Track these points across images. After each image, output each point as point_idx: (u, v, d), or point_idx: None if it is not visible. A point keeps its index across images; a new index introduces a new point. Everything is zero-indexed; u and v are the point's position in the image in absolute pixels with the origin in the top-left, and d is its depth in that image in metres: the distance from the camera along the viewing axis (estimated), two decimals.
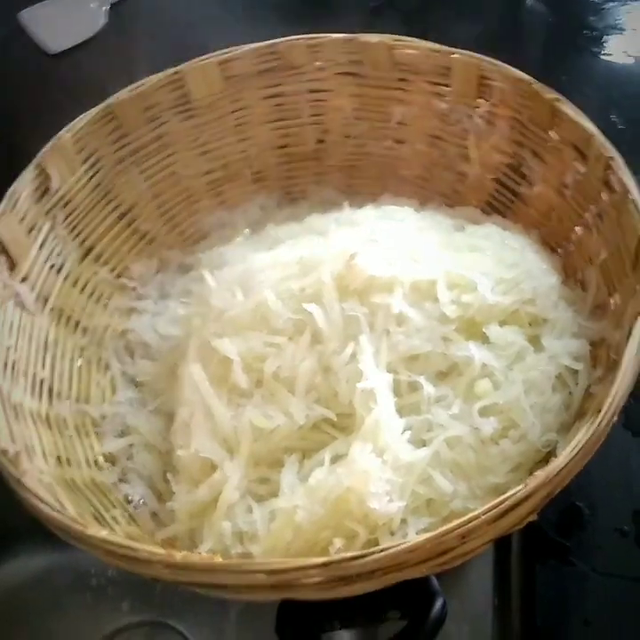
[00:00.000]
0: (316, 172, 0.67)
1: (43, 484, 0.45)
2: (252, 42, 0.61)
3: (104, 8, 0.91)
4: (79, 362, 0.57)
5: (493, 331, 0.48)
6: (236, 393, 0.49)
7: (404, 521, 0.43)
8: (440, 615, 0.42)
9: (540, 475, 0.38)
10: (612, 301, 0.51)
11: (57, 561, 0.58)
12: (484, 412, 0.46)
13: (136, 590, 0.56)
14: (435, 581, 0.42)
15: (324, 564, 0.36)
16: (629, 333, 0.44)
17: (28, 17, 0.91)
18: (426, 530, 0.42)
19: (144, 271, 0.62)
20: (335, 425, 0.47)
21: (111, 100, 0.58)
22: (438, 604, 0.41)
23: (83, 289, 0.59)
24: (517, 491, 0.38)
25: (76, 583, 0.57)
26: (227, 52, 0.61)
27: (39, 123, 0.76)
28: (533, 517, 0.41)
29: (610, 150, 0.51)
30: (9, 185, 0.54)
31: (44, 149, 0.55)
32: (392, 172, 0.65)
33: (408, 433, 0.45)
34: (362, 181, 0.66)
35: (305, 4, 0.86)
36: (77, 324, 0.58)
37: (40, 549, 0.59)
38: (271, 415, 0.47)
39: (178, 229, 0.65)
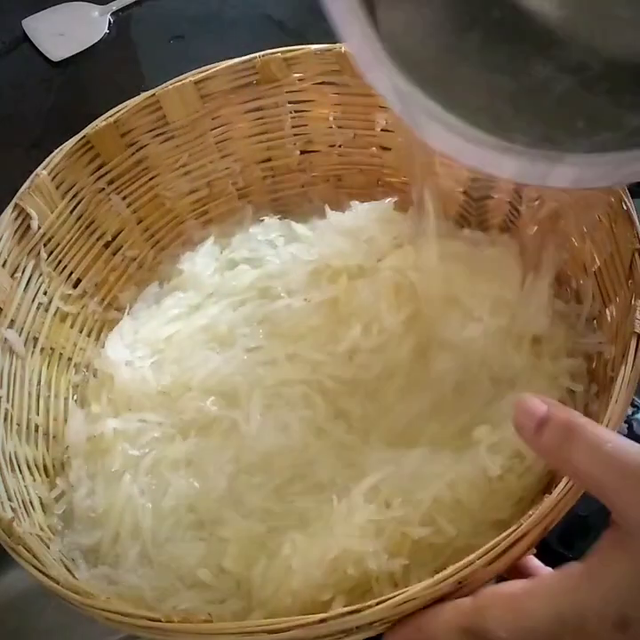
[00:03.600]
0: (302, 184, 0.65)
1: (43, 540, 0.45)
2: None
3: (107, 16, 0.89)
4: (73, 399, 0.56)
5: (495, 358, 0.48)
6: None
7: (406, 567, 0.42)
8: None
9: (534, 514, 0.38)
10: (607, 312, 0.50)
11: None
12: (489, 450, 0.45)
13: None
14: None
15: (323, 620, 0.36)
16: (625, 350, 0.43)
17: (31, 25, 0.90)
18: (428, 573, 0.42)
19: (133, 299, 0.61)
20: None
21: (87, 130, 0.57)
22: None
23: (72, 324, 0.58)
24: (511, 531, 0.37)
25: None
26: (202, 71, 0.59)
27: (42, 130, 0.76)
28: (531, 552, 0.41)
29: None
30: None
31: (21, 189, 0.54)
32: (378, 179, 0.64)
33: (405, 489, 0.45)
34: (348, 191, 0.65)
35: (309, 16, 0.84)
36: (69, 360, 0.57)
37: None
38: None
39: (165, 252, 0.64)
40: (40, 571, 0.39)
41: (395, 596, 0.36)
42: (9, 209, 0.53)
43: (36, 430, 0.52)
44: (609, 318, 0.49)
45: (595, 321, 0.51)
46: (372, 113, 0.62)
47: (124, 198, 0.61)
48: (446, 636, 0.36)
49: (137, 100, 0.58)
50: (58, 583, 0.39)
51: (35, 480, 0.50)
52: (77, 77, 0.86)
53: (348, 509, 0.43)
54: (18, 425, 0.51)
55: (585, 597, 0.34)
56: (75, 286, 0.59)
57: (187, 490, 0.48)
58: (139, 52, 0.88)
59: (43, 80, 0.86)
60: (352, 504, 0.43)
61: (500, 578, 0.41)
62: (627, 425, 0.59)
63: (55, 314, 0.57)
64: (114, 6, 0.90)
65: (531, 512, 0.38)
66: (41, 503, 0.49)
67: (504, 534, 0.37)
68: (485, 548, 0.37)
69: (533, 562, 0.42)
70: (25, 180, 0.54)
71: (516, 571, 0.41)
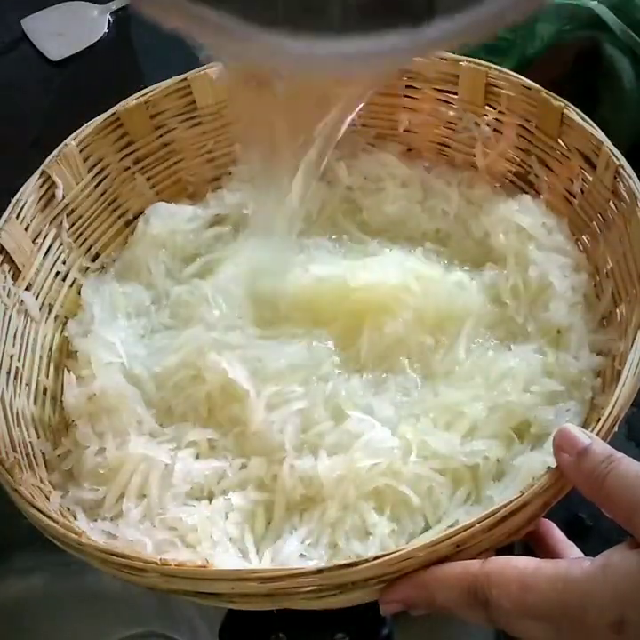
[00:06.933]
0: None
1: (43, 492, 0.45)
2: None
3: (106, 16, 0.91)
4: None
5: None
6: None
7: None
8: None
9: (535, 485, 0.38)
10: (617, 312, 0.50)
11: (57, 572, 0.58)
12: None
13: (136, 601, 0.55)
14: None
15: (318, 571, 0.36)
16: (632, 344, 0.44)
17: (31, 24, 0.91)
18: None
19: None
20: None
21: (118, 107, 0.58)
22: (385, 631, 0.42)
23: None
24: (512, 500, 0.38)
25: (76, 594, 0.57)
26: None
27: (41, 130, 0.77)
28: (532, 527, 0.41)
29: (619, 158, 0.51)
30: (11, 192, 0.54)
31: (50, 157, 0.55)
32: None
33: None
34: None
35: None
36: None
37: (40, 561, 0.58)
38: None
39: None
40: (39, 510, 0.40)
41: (392, 553, 0.37)
42: (35, 175, 0.55)
43: (45, 393, 0.53)
44: (619, 317, 0.50)
45: (605, 320, 0.52)
46: (396, 113, 0.63)
47: (149, 179, 0.62)
48: (448, 594, 0.37)
49: (168, 82, 0.60)
50: (57, 523, 0.39)
51: (39, 438, 0.50)
52: (77, 77, 0.87)
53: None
54: (27, 385, 0.52)
55: (591, 592, 0.35)
56: (93, 260, 0.59)
57: (193, 463, 0.49)
58: (138, 51, 0.89)
59: (42, 80, 0.87)
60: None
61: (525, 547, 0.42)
62: (627, 425, 0.59)
63: (72, 285, 0.58)
64: (113, 6, 0.91)
65: (531, 483, 0.38)
66: (44, 460, 0.49)
67: (502, 503, 0.38)
68: (484, 514, 0.37)
69: (557, 532, 0.43)
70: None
71: (539, 542, 0.43)
